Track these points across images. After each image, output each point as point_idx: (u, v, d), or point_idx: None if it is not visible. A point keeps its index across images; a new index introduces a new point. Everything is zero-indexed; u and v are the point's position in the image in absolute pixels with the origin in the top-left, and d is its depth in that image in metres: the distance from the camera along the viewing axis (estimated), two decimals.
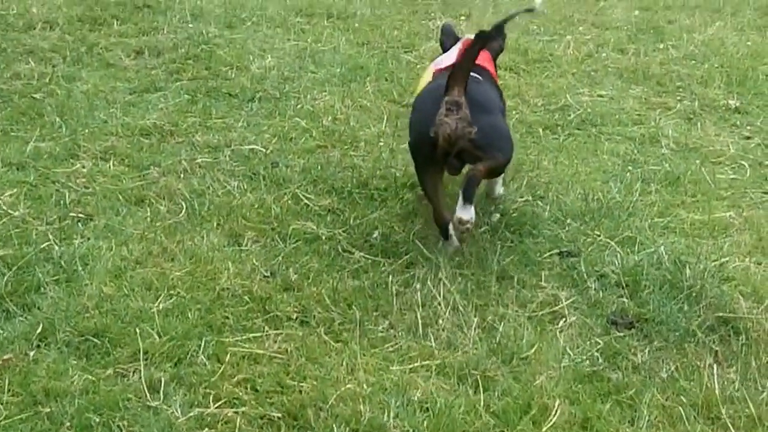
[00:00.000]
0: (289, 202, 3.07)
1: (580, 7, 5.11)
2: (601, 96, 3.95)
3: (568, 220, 2.97)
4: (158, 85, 3.96)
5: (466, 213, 2.59)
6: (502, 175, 2.89)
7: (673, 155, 3.44)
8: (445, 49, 3.11)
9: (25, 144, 3.39)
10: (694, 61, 4.33)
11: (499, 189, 3.02)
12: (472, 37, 2.68)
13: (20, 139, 3.43)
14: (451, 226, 2.70)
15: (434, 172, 2.68)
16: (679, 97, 3.95)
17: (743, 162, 3.41)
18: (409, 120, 2.77)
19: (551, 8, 5.02)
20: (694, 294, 2.56)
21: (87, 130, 3.52)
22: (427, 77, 2.95)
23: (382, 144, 3.47)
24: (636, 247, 2.81)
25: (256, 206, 3.03)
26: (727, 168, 3.37)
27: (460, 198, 2.59)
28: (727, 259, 2.76)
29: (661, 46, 4.52)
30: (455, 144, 2.55)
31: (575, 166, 3.33)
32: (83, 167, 3.27)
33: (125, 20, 4.66)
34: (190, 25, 4.61)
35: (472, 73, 2.64)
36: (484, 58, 2.87)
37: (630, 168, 3.33)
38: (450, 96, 2.55)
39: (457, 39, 3.08)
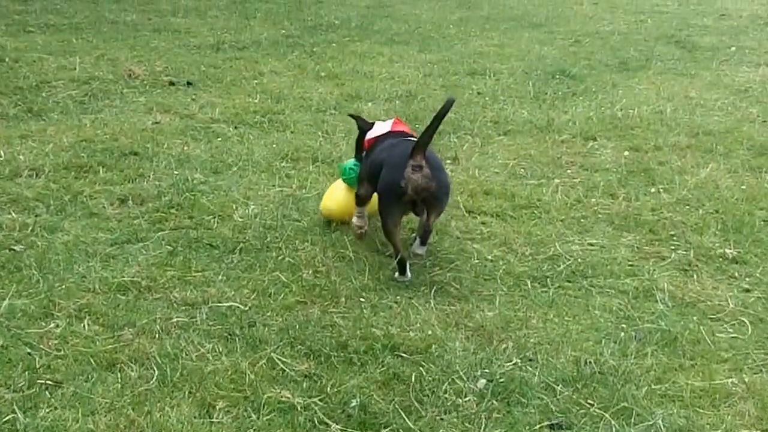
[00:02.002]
0: (265, 366, 2.91)
1: (568, 148, 5.05)
2: (591, 245, 3.83)
3: (560, 387, 2.79)
4: (140, 235, 3.87)
5: (420, 250, 3.54)
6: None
7: (669, 311, 3.28)
8: (363, 129, 3.89)
9: (1, 301, 3.27)
10: (687, 207, 4.22)
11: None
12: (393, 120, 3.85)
13: None
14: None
15: (398, 216, 3.47)
16: (673, 246, 3.82)
17: (744, 318, 3.25)
18: (382, 176, 3.46)
19: (539, 150, 4.98)
20: None
21: (64, 286, 3.42)
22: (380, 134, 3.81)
23: (363, 300, 3.34)
24: (632, 419, 2.62)
25: (230, 372, 2.87)
26: (726, 325, 3.21)
27: (418, 241, 3.52)
28: None
29: (653, 189, 4.42)
30: (420, 194, 3.36)
31: (566, 325, 3.17)
32: (57, 327, 3.15)
33: (111, 167, 4.62)
34: (176, 172, 4.57)
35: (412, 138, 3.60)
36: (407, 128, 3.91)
37: (624, 326, 3.17)
38: (415, 161, 3.34)
39: (371, 123, 3.91)
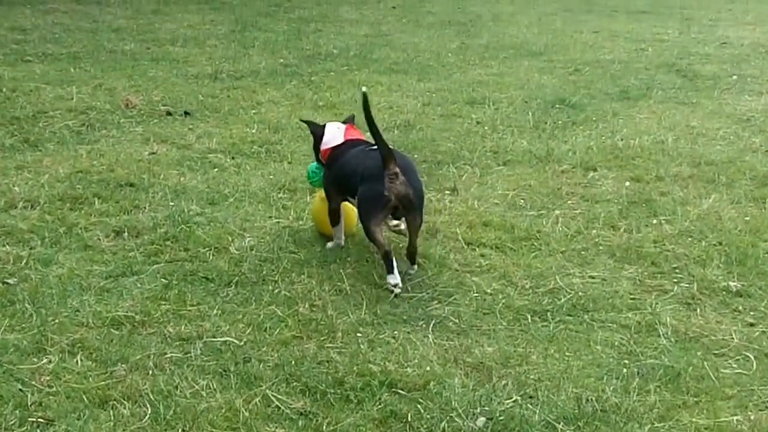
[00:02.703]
0: (260, 403, 2.88)
1: (568, 179, 5.04)
2: (592, 278, 3.81)
3: (561, 425, 2.76)
4: (135, 268, 3.85)
5: (411, 270, 3.83)
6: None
7: (672, 346, 3.25)
8: (318, 134, 4.08)
9: None
10: (690, 238, 4.20)
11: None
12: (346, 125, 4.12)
13: None
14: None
15: (381, 222, 3.73)
16: (675, 279, 3.79)
17: (748, 354, 3.21)
18: (365, 188, 3.71)
19: (539, 181, 4.96)
20: None
21: (57, 320, 3.40)
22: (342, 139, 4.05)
23: (360, 335, 3.31)
24: None
25: (224, 410, 2.85)
26: (731, 361, 3.17)
27: (408, 261, 3.85)
28: None
29: (655, 221, 4.40)
30: (402, 201, 3.66)
31: (567, 360, 3.14)
32: (49, 362, 3.13)
33: (107, 199, 4.62)
34: (172, 203, 4.56)
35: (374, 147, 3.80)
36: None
37: (626, 362, 3.14)
38: (390, 171, 3.63)
39: (322, 126, 4.12)
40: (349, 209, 4.07)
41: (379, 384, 2.97)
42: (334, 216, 4.03)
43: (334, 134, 4.06)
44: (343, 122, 4.19)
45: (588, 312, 3.51)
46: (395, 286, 3.66)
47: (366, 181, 3.71)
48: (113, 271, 3.83)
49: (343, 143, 4.01)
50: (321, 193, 4.14)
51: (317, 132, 4.12)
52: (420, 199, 3.74)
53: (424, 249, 4.02)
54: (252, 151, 5.49)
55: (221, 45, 8.92)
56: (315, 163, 4.17)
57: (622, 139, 5.77)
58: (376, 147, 3.74)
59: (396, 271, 3.68)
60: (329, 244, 4.09)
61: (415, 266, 3.84)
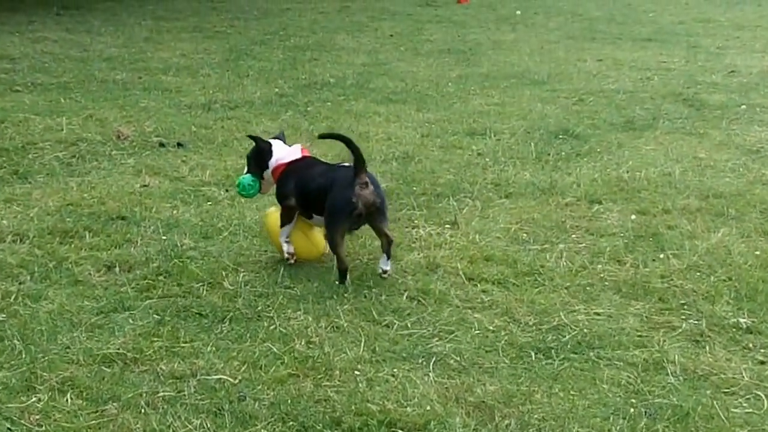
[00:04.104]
0: None
1: (572, 212, 5.09)
2: (598, 314, 3.85)
3: None
4: (127, 304, 3.89)
5: (387, 265, 4.16)
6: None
7: (680, 385, 3.28)
8: (265, 149, 4.39)
9: None
10: (698, 274, 4.24)
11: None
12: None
13: None
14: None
15: (345, 230, 4.08)
16: (683, 316, 3.83)
17: (759, 392, 3.25)
18: (334, 195, 4.06)
19: (542, 214, 5.02)
20: None
21: (47, 358, 3.44)
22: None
23: (358, 373, 3.34)
24: None
25: None
26: (741, 400, 3.20)
27: (384, 257, 4.14)
28: None
29: (662, 255, 4.45)
30: (369, 208, 4.02)
31: (572, 399, 3.17)
32: (39, 401, 3.17)
33: (98, 232, 4.67)
34: (164, 237, 4.60)
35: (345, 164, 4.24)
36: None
37: (633, 401, 3.17)
38: (361, 179, 4.01)
39: (268, 142, 4.43)
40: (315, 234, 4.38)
41: (378, 424, 3.00)
42: (289, 214, 4.32)
43: (288, 150, 4.40)
44: (275, 137, 4.53)
45: (593, 349, 3.54)
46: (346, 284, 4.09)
47: (334, 191, 4.06)
48: (104, 306, 3.87)
49: (301, 159, 4.35)
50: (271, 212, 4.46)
51: (265, 147, 4.41)
52: (385, 207, 4.13)
53: (424, 284, 4.07)
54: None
55: (215, 74, 9.02)
56: (249, 176, 4.42)
57: (627, 171, 5.84)
58: (342, 165, 4.21)
59: (348, 281, 4.10)
60: (285, 251, 4.31)
61: (390, 261, 4.15)
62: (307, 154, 4.45)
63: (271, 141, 4.45)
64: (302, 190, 4.25)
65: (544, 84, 8.78)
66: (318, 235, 4.37)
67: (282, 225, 4.34)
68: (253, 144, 4.44)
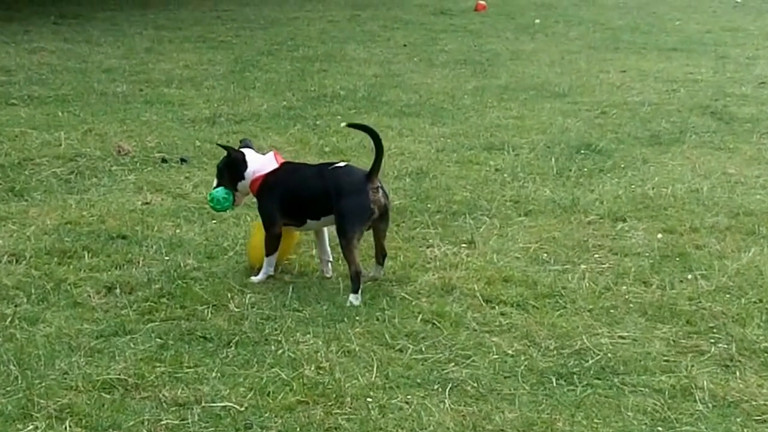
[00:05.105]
0: None
1: (595, 230, 5.11)
2: (622, 338, 3.86)
3: None
4: (128, 327, 3.93)
5: (379, 273, 4.39)
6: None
7: (709, 412, 3.29)
8: (240, 159, 4.40)
9: None
10: (728, 295, 4.25)
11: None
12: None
13: None
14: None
15: (362, 235, 4.24)
16: (713, 340, 3.84)
17: None
18: (348, 202, 4.18)
19: (563, 232, 5.03)
20: None
21: (44, 384, 3.47)
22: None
23: (370, 400, 3.36)
24: None
25: None
26: None
27: (378, 267, 4.40)
28: None
29: (689, 276, 4.46)
30: (381, 212, 4.23)
31: (596, 428, 3.18)
32: (36, 429, 3.20)
33: (98, 252, 4.71)
34: (167, 257, 4.65)
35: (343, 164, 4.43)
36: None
37: (660, 429, 3.19)
38: (373, 184, 4.19)
39: (241, 152, 4.45)
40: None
41: None
42: (275, 243, 4.36)
43: (263, 160, 4.45)
44: (243, 146, 4.55)
45: (618, 375, 3.55)
46: (356, 304, 4.13)
47: (347, 195, 4.18)
48: (104, 330, 3.90)
49: (280, 167, 4.42)
50: (258, 223, 4.50)
51: (239, 157, 4.43)
52: (389, 210, 4.38)
53: (439, 307, 4.09)
54: (252, 201, 5.57)
55: (220, 86, 9.09)
56: (221, 189, 4.45)
57: (653, 188, 5.85)
58: (337, 165, 4.35)
59: (360, 292, 4.18)
60: (255, 278, 4.39)
61: (382, 268, 4.39)
62: (281, 159, 4.50)
63: (243, 150, 4.48)
64: (292, 198, 4.33)
65: (565, 96, 8.81)
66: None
67: (267, 253, 4.37)
68: (225, 154, 4.47)
